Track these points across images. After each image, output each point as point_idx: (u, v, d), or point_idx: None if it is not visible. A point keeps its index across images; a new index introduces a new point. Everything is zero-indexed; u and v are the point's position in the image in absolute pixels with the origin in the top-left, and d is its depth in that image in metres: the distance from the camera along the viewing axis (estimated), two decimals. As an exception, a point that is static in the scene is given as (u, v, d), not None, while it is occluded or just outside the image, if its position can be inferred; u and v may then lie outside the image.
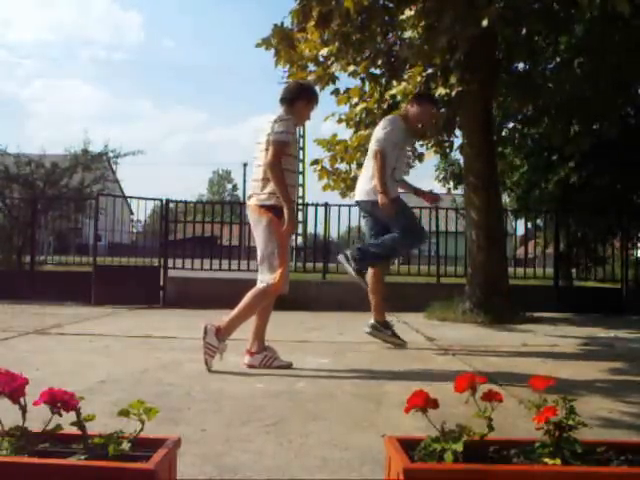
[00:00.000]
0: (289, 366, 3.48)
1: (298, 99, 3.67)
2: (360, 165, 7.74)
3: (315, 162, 8.04)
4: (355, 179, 7.26)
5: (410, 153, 8.21)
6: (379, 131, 4.59)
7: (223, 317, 3.51)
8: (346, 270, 4.52)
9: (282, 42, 6.85)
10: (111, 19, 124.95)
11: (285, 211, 3.43)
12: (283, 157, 3.48)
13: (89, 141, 11.96)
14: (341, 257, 4.51)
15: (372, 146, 4.58)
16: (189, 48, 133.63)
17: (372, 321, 4.54)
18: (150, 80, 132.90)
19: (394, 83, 6.93)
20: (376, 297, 4.58)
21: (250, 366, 3.47)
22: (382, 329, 4.49)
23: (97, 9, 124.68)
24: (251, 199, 3.59)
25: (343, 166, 8.20)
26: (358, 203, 4.70)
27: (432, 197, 5.00)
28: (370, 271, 4.59)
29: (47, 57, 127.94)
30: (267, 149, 3.48)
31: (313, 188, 42.17)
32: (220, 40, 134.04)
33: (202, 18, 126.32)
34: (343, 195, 8.23)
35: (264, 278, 3.51)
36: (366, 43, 6.49)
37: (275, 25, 6.83)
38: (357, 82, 7.52)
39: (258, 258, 3.58)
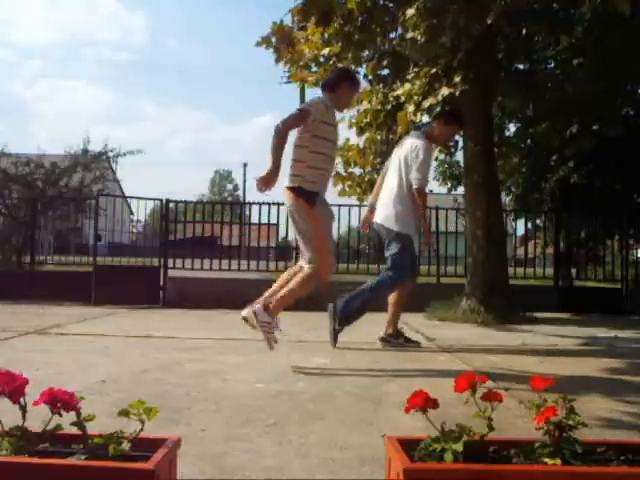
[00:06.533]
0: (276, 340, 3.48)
1: (341, 82, 3.76)
2: (375, 168, 7.72)
3: None
4: (371, 183, 7.23)
5: None
6: (416, 164, 4.30)
7: (265, 295, 3.54)
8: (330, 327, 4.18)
9: (282, 40, 6.83)
10: (117, 20, 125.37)
11: (268, 169, 3.33)
12: (315, 139, 3.52)
13: (89, 141, 11.96)
14: (330, 308, 4.20)
15: (412, 179, 4.31)
16: (192, 49, 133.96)
17: (382, 334, 4.47)
18: (154, 80, 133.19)
19: (398, 84, 6.92)
20: (394, 309, 4.46)
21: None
22: (393, 340, 4.43)
23: (103, 10, 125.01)
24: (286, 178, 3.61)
25: (358, 170, 8.17)
26: (381, 226, 4.47)
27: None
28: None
29: (52, 57, 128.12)
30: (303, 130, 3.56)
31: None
32: (222, 41, 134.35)
33: (205, 18, 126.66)
34: (360, 200, 8.18)
35: (306, 264, 3.48)
36: (367, 43, 6.48)
37: (274, 23, 6.81)
38: (364, 84, 7.54)
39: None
